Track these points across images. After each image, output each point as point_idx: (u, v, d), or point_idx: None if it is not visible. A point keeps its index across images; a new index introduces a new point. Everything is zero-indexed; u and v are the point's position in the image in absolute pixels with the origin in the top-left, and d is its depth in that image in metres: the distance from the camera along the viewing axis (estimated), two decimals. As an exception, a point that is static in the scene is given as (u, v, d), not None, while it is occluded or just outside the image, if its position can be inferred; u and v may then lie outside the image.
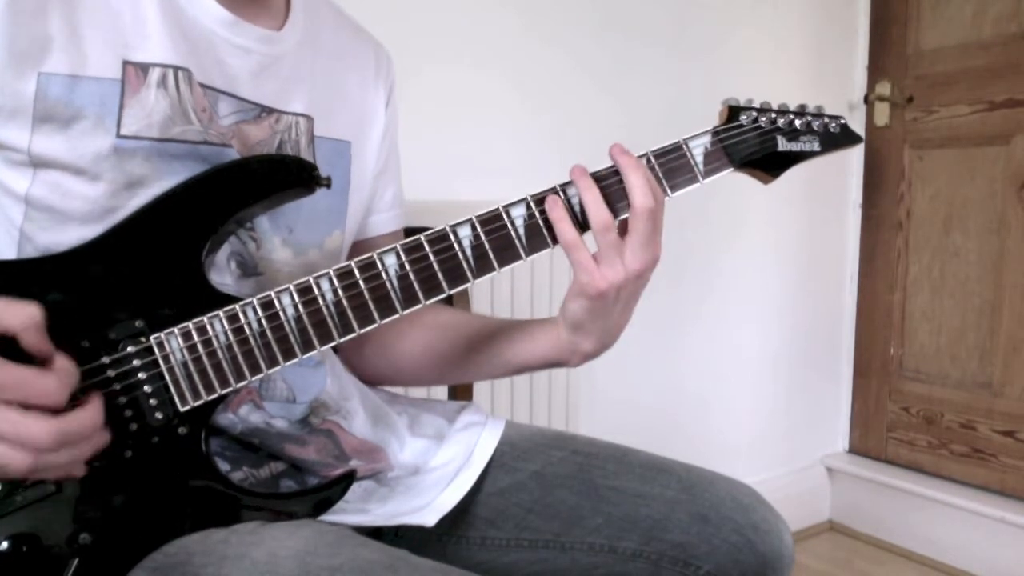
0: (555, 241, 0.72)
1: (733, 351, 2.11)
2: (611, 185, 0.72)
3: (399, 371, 0.92)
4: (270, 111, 0.75)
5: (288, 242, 0.76)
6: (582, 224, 0.72)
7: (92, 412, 0.59)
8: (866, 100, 2.23)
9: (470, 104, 1.60)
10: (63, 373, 0.57)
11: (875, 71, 2.23)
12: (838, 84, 2.23)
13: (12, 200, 0.64)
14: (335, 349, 0.88)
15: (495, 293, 1.53)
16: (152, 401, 0.63)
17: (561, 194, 0.72)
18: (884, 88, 2.19)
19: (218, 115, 0.71)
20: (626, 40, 1.81)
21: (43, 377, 0.56)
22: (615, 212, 0.72)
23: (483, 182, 1.55)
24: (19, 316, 0.56)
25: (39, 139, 0.62)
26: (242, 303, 0.65)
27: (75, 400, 0.58)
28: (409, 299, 0.69)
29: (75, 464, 0.59)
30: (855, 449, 2.36)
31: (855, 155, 2.28)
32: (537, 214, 0.71)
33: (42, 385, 0.55)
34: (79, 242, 0.64)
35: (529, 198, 0.72)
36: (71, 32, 0.62)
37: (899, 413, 2.24)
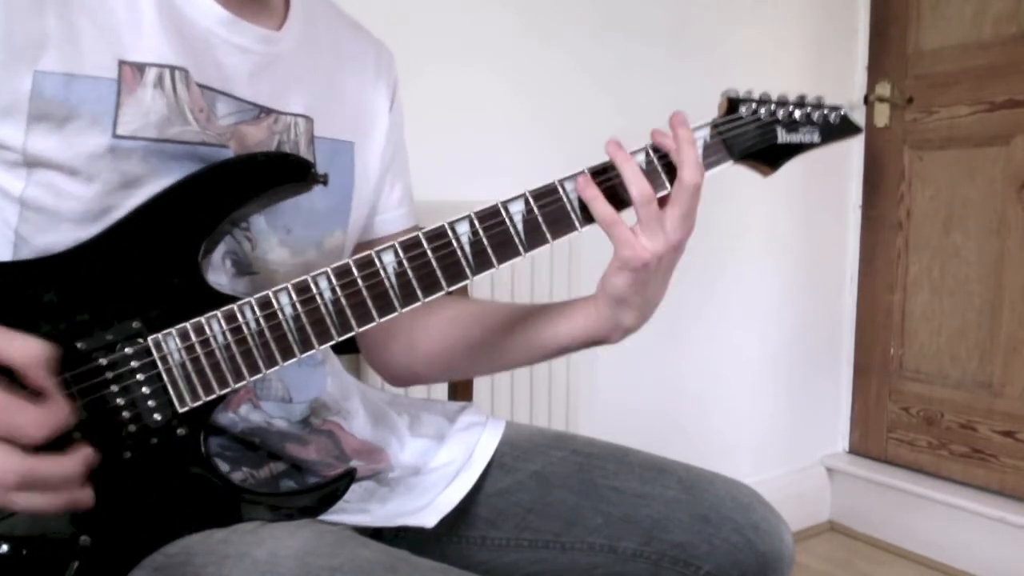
0: (553, 236, 0.71)
1: (733, 351, 2.11)
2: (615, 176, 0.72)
3: (432, 365, 0.89)
4: (268, 112, 0.74)
5: (286, 242, 0.75)
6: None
7: (70, 462, 0.57)
8: (866, 100, 2.23)
9: (471, 104, 1.60)
10: (52, 412, 0.56)
11: (875, 71, 2.23)
12: (838, 84, 2.23)
13: (7, 202, 0.64)
14: (337, 349, 0.88)
15: (495, 291, 1.53)
16: (150, 402, 0.63)
17: (560, 188, 0.72)
18: (884, 88, 2.19)
19: (216, 116, 0.70)
20: (626, 40, 1.81)
21: (27, 409, 0.54)
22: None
23: (484, 182, 1.54)
24: (21, 351, 0.55)
25: (33, 138, 0.61)
26: (240, 303, 0.65)
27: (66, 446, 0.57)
28: (408, 297, 0.68)
29: (48, 509, 0.57)
30: (855, 449, 2.36)
31: (855, 155, 2.27)
32: (536, 209, 0.71)
33: (23, 417, 0.54)
34: (75, 243, 0.64)
35: (528, 194, 0.71)
36: (67, 30, 0.62)
37: (899, 413, 2.24)
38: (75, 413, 0.59)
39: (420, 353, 0.89)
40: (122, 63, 0.64)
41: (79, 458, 0.58)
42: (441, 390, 1.28)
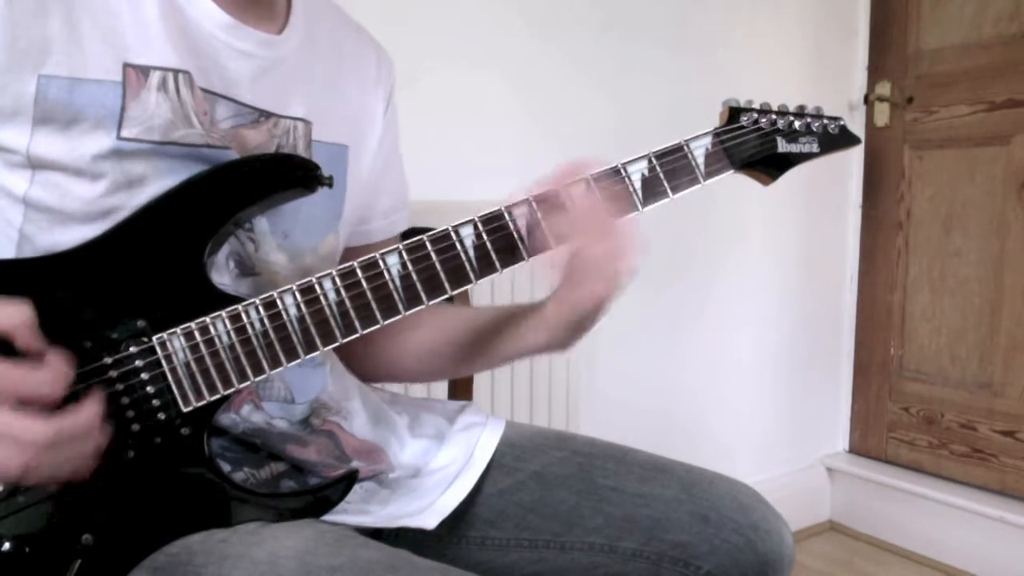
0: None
1: (733, 351, 2.11)
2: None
3: (403, 369, 0.92)
4: (268, 115, 0.74)
5: (284, 246, 0.75)
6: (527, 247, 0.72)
7: (90, 409, 0.58)
8: (866, 100, 2.23)
9: (471, 105, 1.60)
10: (56, 368, 0.57)
11: (875, 71, 2.23)
12: (838, 84, 2.23)
13: (11, 201, 0.64)
14: (337, 349, 0.88)
15: (495, 293, 1.53)
16: (155, 401, 0.63)
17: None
18: (884, 88, 2.19)
19: (216, 119, 0.70)
20: (626, 41, 1.81)
21: (35, 372, 0.55)
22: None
23: (484, 183, 1.54)
24: (9, 315, 0.56)
25: (38, 141, 0.62)
26: (245, 303, 0.65)
27: (75, 397, 0.58)
28: (411, 299, 0.68)
29: (78, 462, 0.59)
30: (855, 449, 2.36)
31: (855, 156, 2.27)
32: (539, 214, 0.71)
33: (35, 380, 0.55)
34: (79, 242, 0.64)
35: (531, 198, 0.71)
36: (71, 34, 0.62)
37: (899, 413, 2.24)
38: (72, 361, 0.59)
39: (393, 357, 0.91)
40: (127, 66, 0.64)
41: (95, 402, 0.59)
42: (441, 389, 1.28)
